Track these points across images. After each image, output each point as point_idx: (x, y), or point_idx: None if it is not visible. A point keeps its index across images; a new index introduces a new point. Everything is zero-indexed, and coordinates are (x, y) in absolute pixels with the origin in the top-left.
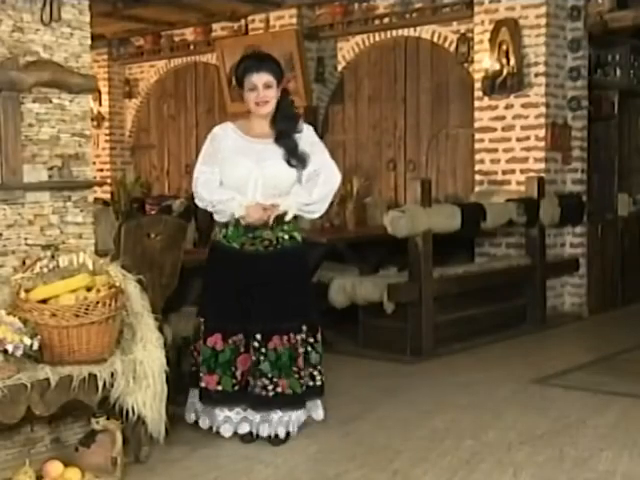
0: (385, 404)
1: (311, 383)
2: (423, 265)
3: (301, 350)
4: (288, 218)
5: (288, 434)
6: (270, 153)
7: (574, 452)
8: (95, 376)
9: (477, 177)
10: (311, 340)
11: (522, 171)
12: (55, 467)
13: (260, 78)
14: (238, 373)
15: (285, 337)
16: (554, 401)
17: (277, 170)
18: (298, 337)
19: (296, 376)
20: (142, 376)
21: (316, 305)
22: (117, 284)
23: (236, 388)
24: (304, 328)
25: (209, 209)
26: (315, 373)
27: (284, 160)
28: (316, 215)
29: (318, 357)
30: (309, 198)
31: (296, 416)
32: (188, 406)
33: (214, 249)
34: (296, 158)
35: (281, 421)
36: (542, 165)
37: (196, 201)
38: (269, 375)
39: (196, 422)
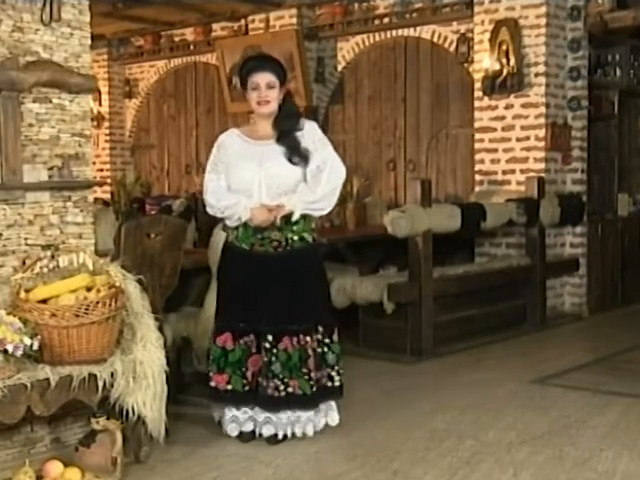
0: (385, 404)
1: (329, 384)
2: (423, 265)
3: (312, 352)
4: (295, 218)
5: (293, 434)
6: (272, 154)
7: (574, 452)
8: (95, 376)
9: (477, 177)
10: (327, 341)
11: (522, 171)
12: (55, 467)
13: (263, 78)
14: (249, 374)
15: (295, 338)
16: (554, 401)
17: (279, 169)
18: (308, 338)
19: (306, 377)
20: (142, 376)
21: (330, 306)
22: (117, 284)
23: (246, 388)
24: (320, 329)
25: (219, 216)
26: (333, 374)
27: (285, 159)
28: (325, 212)
29: (335, 357)
30: (313, 196)
31: (307, 417)
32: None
33: (226, 250)
34: (298, 156)
35: (289, 421)
36: (542, 165)
37: (207, 209)
38: (280, 376)
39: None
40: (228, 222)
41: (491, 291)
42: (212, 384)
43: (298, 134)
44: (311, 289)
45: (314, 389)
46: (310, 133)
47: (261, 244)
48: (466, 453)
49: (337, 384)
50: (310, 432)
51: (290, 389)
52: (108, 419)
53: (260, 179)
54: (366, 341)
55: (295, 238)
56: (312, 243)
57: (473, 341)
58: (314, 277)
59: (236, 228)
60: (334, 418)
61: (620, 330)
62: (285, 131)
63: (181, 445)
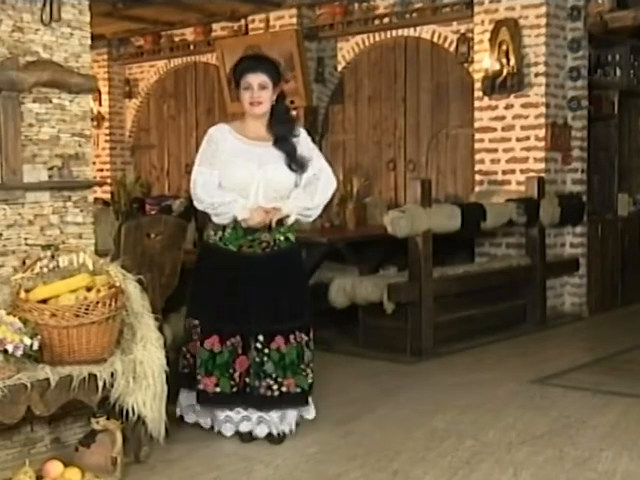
0: (385, 404)
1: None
2: (423, 265)
3: (306, 348)
4: (290, 222)
5: (284, 433)
6: (271, 157)
7: (574, 452)
8: (95, 376)
9: (477, 177)
10: (306, 339)
11: (522, 171)
12: (55, 467)
13: (256, 78)
14: (236, 375)
15: (292, 336)
16: (554, 401)
17: (279, 174)
18: (304, 335)
19: (303, 373)
20: (142, 376)
21: (310, 305)
22: (117, 284)
23: (234, 390)
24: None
25: (209, 211)
26: (308, 371)
27: (286, 164)
28: (312, 219)
29: (310, 355)
30: (311, 203)
31: (292, 414)
32: (185, 407)
33: (208, 251)
34: (296, 162)
35: (280, 420)
36: (542, 165)
37: (195, 203)
38: (273, 375)
39: (197, 422)
40: (216, 219)
41: (491, 291)
42: (200, 387)
43: (294, 140)
44: (296, 288)
45: (310, 384)
46: (306, 140)
47: (250, 245)
48: (466, 453)
49: (309, 381)
50: (293, 429)
51: (284, 388)
52: (108, 419)
53: (258, 181)
54: (366, 341)
55: (282, 238)
56: (295, 243)
57: (473, 341)
58: (298, 276)
59: (222, 229)
60: (311, 412)
61: (620, 330)
62: (282, 136)
63: (181, 445)
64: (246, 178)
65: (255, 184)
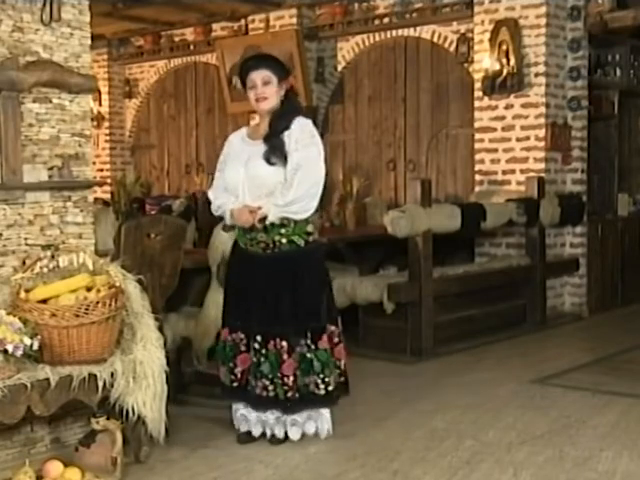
0: (385, 404)
1: (316, 391)
2: (423, 265)
3: (288, 356)
4: (269, 221)
5: (286, 435)
6: (256, 154)
7: (574, 452)
8: (95, 376)
9: (477, 177)
10: (312, 347)
11: (522, 171)
12: (55, 467)
13: (258, 74)
14: (237, 371)
15: (272, 342)
16: (554, 401)
17: (258, 170)
18: (284, 343)
19: (279, 382)
20: (142, 376)
21: (327, 310)
22: (117, 284)
23: (234, 385)
24: (308, 334)
25: (216, 214)
26: (318, 381)
27: (263, 159)
28: (302, 215)
29: (320, 365)
30: (284, 199)
31: (291, 420)
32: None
33: (233, 248)
34: (276, 156)
35: (278, 422)
36: (542, 165)
37: (211, 207)
38: (269, 376)
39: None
40: (226, 220)
41: (491, 291)
42: (220, 375)
43: (285, 133)
44: (299, 293)
45: (289, 395)
46: (296, 132)
47: (251, 244)
48: (466, 453)
49: (322, 392)
50: (295, 437)
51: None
52: (108, 419)
53: (243, 179)
54: (366, 341)
55: (283, 241)
56: (304, 247)
57: (473, 341)
58: (304, 281)
59: (234, 227)
60: (323, 429)
61: (620, 330)
62: (275, 130)
63: (181, 445)
64: (234, 178)
65: (241, 183)
